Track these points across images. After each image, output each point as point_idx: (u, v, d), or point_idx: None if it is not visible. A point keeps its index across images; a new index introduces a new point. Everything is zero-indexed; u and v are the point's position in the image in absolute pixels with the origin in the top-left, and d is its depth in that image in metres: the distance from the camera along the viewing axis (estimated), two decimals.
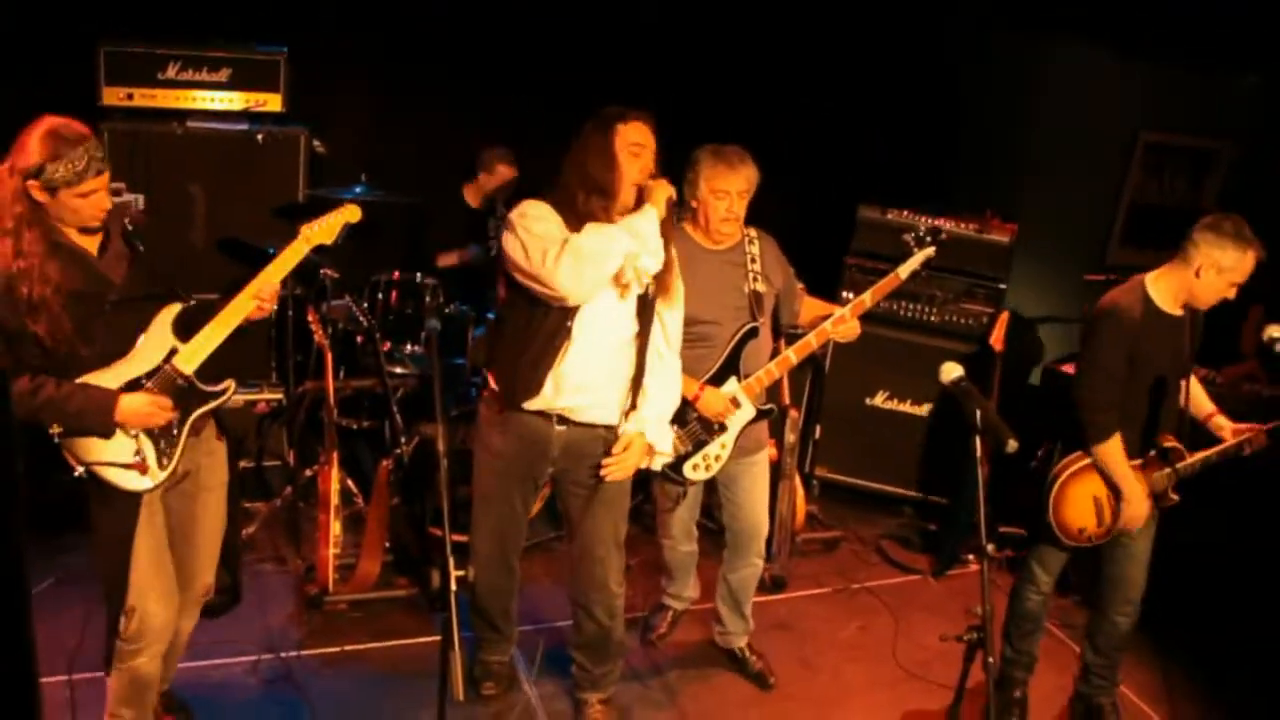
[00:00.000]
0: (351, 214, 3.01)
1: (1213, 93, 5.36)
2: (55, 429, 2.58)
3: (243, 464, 4.33)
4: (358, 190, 4.77)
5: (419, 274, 4.78)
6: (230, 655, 3.60)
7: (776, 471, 4.12)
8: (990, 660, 2.59)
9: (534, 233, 2.95)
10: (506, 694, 3.60)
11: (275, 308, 2.84)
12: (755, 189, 3.45)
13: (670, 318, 3.18)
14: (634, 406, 3.16)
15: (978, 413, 2.66)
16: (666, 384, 3.22)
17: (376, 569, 4.04)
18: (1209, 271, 3.17)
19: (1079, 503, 3.37)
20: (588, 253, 2.92)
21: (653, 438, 3.17)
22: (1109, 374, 3.26)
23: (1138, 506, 3.31)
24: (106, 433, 2.63)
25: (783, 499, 4.27)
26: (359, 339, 4.75)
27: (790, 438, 4.26)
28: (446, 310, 4.79)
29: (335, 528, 3.90)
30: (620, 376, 3.14)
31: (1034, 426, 3.33)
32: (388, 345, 4.64)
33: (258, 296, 2.77)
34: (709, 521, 4.35)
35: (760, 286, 3.51)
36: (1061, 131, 5.67)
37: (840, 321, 3.48)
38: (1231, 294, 3.22)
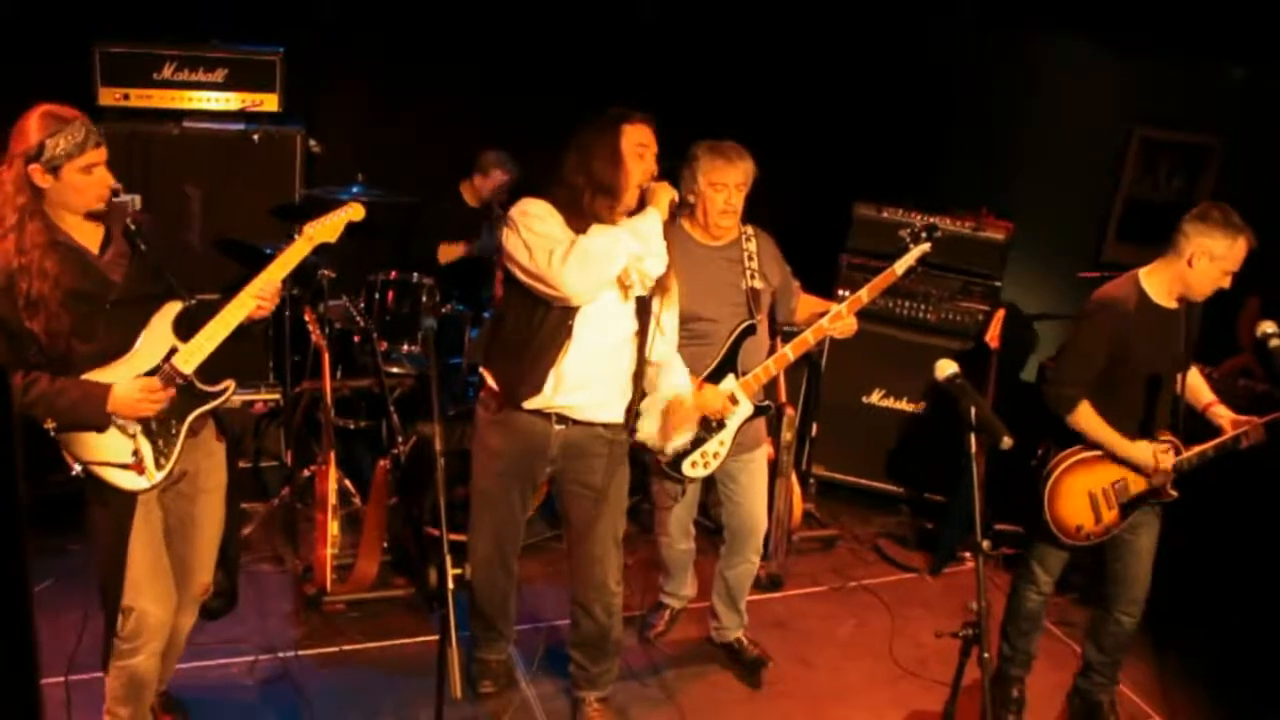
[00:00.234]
0: (355, 213, 2.99)
1: (1206, 88, 5.36)
2: (50, 424, 2.58)
3: (240, 464, 4.32)
4: (354, 190, 4.77)
5: (415, 274, 4.78)
6: (228, 655, 3.61)
7: (773, 470, 4.13)
8: (985, 656, 2.59)
9: (537, 232, 2.96)
10: (504, 692, 3.61)
11: (275, 306, 2.83)
12: (752, 184, 3.46)
13: (666, 316, 3.20)
14: (634, 403, 3.19)
15: (972, 410, 2.67)
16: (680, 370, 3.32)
17: (374, 569, 4.04)
18: (1201, 260, 3.18)
19: (1074, 498, 3.38)
20: (594, 254, 2.93)
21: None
22: (1085, 357, 3.29)
23: (1142, 457, 3.30)
24: (100, 425, 2.63)
25: (779, 497, 4.27)
26: (356, 339, 4.76)
27: (787, 436, 4.27)
28: (443, 310, 4.80)
29: (333, 528, 3.91)
30: (620, 375, 3.16)
31: (1031, 424, 3.34)
32: (385, 345, 4.64)
33: (259, 296, 2.76)
34: (706, 520, 4.36)
35: (757, 284, 3.52)
36: (1056, 128, 5.68)
37: (837, 318, 3.49)
38: (1226, 283, 3.23)
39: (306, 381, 4.65)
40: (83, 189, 2.59)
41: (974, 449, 2.66)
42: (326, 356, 4.17)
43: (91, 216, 2.65)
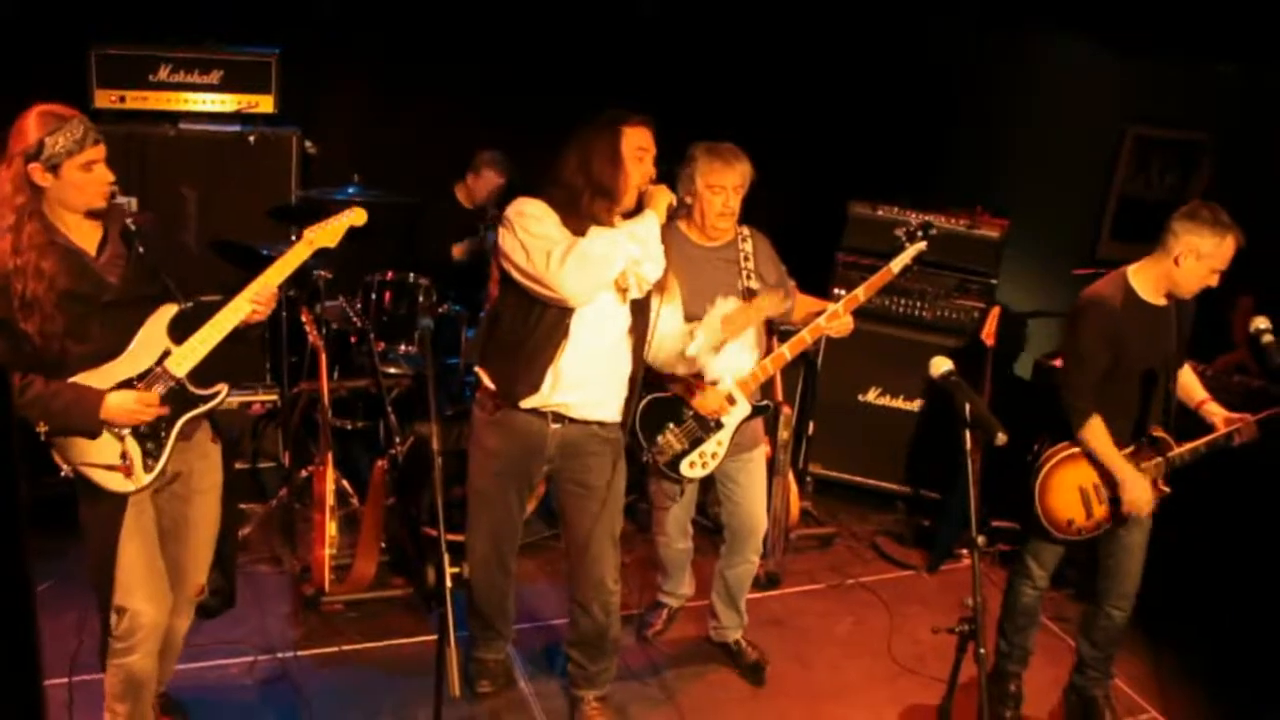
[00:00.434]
0: (357, 217, 2.98)
1: (1198, 86, 5.38)
2: (42, 427, 2.58)
3: (238, 465, 4.33)
4: (350, 191, 4.78)
5: (412, 274, 4.79)
6: (227, 656, 3.61)
7: (770, 468, 4.14)
8: (982, 651, 2.60)
9: (534, 233, 2.97)
10: (502, 692, 3.61)
11: (272, 310, 2.82)
12: (749, 185, 3.47)
13: (669, 311, 3.21)
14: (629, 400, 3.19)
15: (967, 406, 2.68)
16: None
17: (372, 569, 4.05)
18: (1188, 258, 3.20)
19: (1064, 493, 3.40)
20: (592, 257, 2.94)
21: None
22: (1088, 362, 3.30)
23: (1136, 489, 3.30)
24: (92, 432, 2.63)
25: (776, 496, 4.28)
26: (353, 339, 4.76)
27: (783, 434, 4.27)
28: (440, 310, 4.80)
29: (331, 528, 3.91)
30: (617, 374, 3.17)
31: (1026, 420, 3.36)
32: (382, 345, 4.64)
33: (255, 300, 2.75)
34: (705, 519, 4.37)
35: (754, 284, 3.52)
36: (1050, 126, 5.69)
37: (834, 317, 3.49)
38: (1214, 281, 3.24)
39: (304, 382, 4.65)
40: (83, 186, 2.59)
41: (969, 445, 2.67)
42: (324, 357, 4.18)
43: (92, 215, 2.65)
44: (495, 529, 3.32)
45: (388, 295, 4.76)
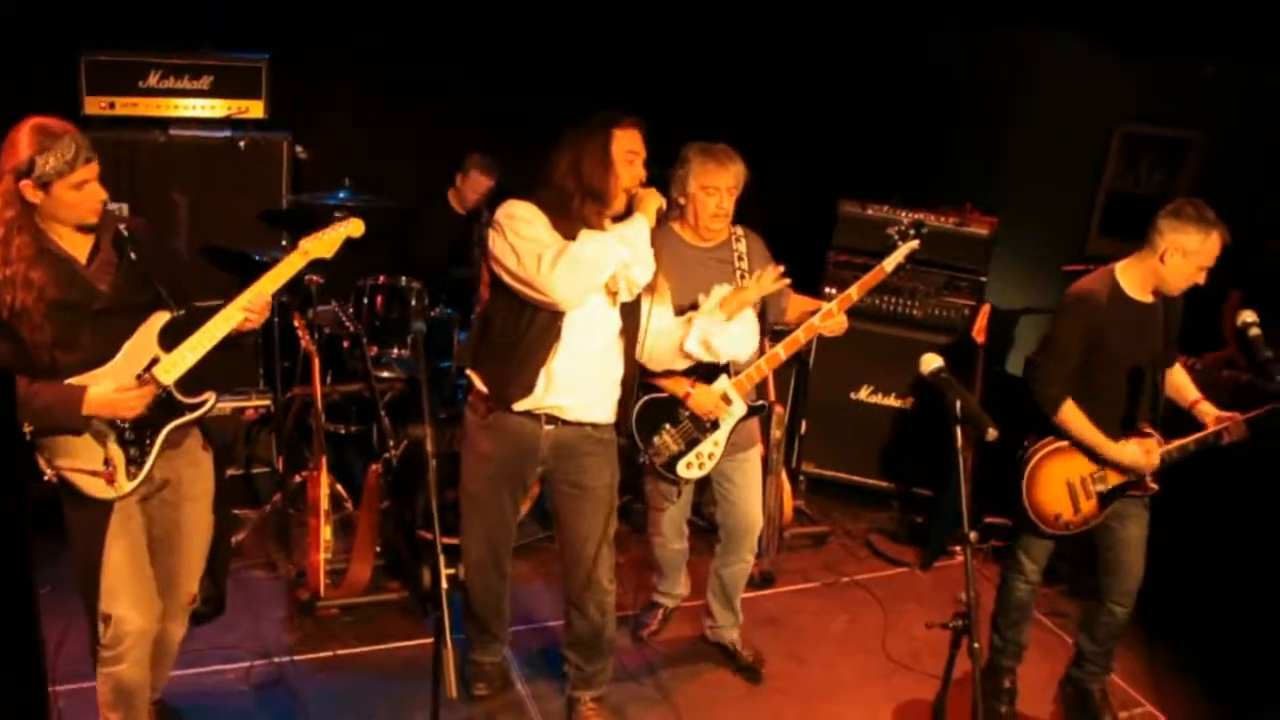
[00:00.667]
0: (354, 229, 2.96)
1: (1186, 84, 5.41)
2: (26, 428, 2.57)
3: (231, 471, 4.33)
4: (341, 195, 4.78)
5: (404, 278, 4.79)
6: (223, 662, 3.61)
7: (764, 467, 4.14)
8: (975, 646, 2.61)
9: (524, 236, 2.97)
10: (499, 694, 3.62)
11: (265, 319, 2.80)
12: (743, 185, 3.48)
13: (659, 312, 3.22)
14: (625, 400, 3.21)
15: (957, 403, 2.70)
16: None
17: (368, 573, 4.05)
18: (1174, 256, 3.22)
19: (1051, 487, 3.42)
20: (583, 261, 2.95)
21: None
22: (1060, 353, 3.33)
23: (1126, 455, 3.32)
24: (76, 428, 2.62)
25: (770, 495, 4.29)
26: (346, 344, 4.76)
27: (776, 434, 4.28)
28: (432, 314, 4.80)
29: (325, 533, 3.91)
30: (609, 377, 3.18)
31: (1017, 416, 3.37)
32: (374, 349, 4.64)
33: (248, 308, 2.74)
34: (699, 519, 4.38)
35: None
36: (1039, 124, 5.71)
37: (829, 316, 3.50)
38: (1201, 278, 3.26)
39: (297, 387, 4.64)
40: (75, 204, 2.58)
41: (960, 442, 2.69)
42: (316, 362, 4.17)
43: (83, 229, 2.65)
44: (490, 532, 3.33)
45: (380, 299, 4.76)
